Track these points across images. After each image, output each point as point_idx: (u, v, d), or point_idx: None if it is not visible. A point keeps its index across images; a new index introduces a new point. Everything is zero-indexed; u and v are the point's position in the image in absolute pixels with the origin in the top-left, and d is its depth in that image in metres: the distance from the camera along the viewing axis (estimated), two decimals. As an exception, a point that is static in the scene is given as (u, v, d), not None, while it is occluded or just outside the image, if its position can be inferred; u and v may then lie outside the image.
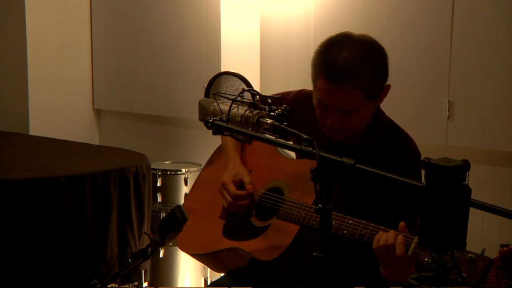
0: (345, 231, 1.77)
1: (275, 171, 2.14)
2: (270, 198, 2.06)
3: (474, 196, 1.23)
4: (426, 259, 1.57)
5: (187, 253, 2.29)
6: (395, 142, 2.00)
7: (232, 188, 2.10)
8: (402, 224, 1.69)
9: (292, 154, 2.15)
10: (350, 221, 1.78)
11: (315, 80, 1.91)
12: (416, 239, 1.64)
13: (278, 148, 2.21)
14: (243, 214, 2.12)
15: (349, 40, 1.89)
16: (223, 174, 2.17)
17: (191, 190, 2.43)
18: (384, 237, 1.69)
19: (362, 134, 1.99)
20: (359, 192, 1.89)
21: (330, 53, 1.86)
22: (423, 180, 1.95)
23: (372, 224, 1.75)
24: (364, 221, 1.77)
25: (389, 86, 1.95)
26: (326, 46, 1.90)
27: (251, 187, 2.08)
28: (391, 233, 1.69)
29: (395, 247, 1.66)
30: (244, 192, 2.09)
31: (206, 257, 2.20)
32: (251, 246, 2.02)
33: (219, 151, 2.35)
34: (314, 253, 1.45)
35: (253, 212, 2.11)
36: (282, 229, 1.96)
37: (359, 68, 1.83)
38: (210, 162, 2.39)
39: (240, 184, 2.12)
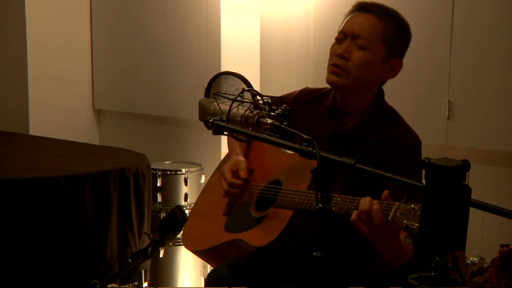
0: (333, 208, 1.79)
1: (275, 166, 2.18)
2: (269, 190, 2.12)
3: (474, 196, 1.23)
4: (405, 222, 1.57)
5: (190, 250, 2.32)
6: (393, 130, 2.06)
7: (229, 176, 2.14)
8: (386, 192, 1.70)
9: None
10: (339, 198, 1.80)
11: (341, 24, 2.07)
12: (396, 204, 1.64)
13: None
14: (240, 201, 2.16)
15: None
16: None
17: (200, 195, 2.48)
18: (361, 203, 1.71)
19: (363, 116, 2.06)
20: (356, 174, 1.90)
21: (367, 0, 2.09)
22: (422, 178, 1.99)
23: (358, 198, 1.75)
24: (351, 197, 1.79)
25: (401, 63, 2.07)
26: None
27: (245, 173, 2.13)
28: (365, 199, 1.70)
29: (369, 212, 1.67)
30: (239, 181, 2.13)
31: (207, 253, 2.22)
32: (248, 235, 2.06)
33: (227, 159, 2.39)
34: (314, 253, 1.45)
35: (253, 205, 2.15)
36: (278, 216, 2.01)
37: (389, 11, 2.04)
38: (218, 169, 2.44)
39: (237, 174, 2.16)
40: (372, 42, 1.99)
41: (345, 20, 2.07)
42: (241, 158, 2.21)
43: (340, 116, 2.09)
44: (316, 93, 2.19)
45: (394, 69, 2.05)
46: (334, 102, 2.11)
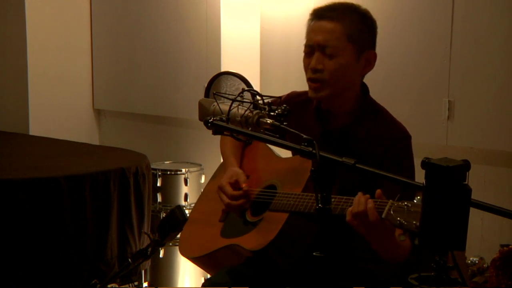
0: None
1: (270, 171, 2.19)
2: (264, 194, 2.12)
3: (474, 196, 1.23)
4: (398, 219, 1.58)
5: (187, 257, 2.32)
6: (381, 126, 2.06)
7: (229, 190, 2.15)
8: (378, 191, 1.71)
9: (287, 153, 2.20)
10: (333, 199, 1.80)
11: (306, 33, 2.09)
12: (390, 202, 1.65)
13: (273, 150, 2.30)
14: (238, 215, 2.16)
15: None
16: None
17: (196, 203, 2.48)
18: (355, 203, 1.72)
19: (349, 115, 2.07)
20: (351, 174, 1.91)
21: (320, 6, 2.08)
22: (414, 171, 2.00)
23: (352, 198, 1.76)
24: (345, 197, 1.80)
25: (374, 54, 2.07)
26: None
27: (246, 185, 2.14)
28: (359, 199, 1.72)
29: (363, 211, 1.69)
30: (240, 192, 2.14)
31: (203, 259, 2.22)
32: (245, 240, 2.06)
33: (222, 167, 2.39)
34: (314, 253, 1.45)
35: (248, 210, 2.15)
36: (273, 219, 2.01)
37: (343, 9, 2.04)
38: (214, 176, 2.45)
39: (236, 185, 2.17)
40: (339, 47, 2.00)
41: (307, 32, 2.08)
42: (238, 169, 2.21)
43: (327, 117, 2.11)
44: (303, 96, 2.20)
45: (369, 62, 2.06)
46: (319, 104, 2.12)
